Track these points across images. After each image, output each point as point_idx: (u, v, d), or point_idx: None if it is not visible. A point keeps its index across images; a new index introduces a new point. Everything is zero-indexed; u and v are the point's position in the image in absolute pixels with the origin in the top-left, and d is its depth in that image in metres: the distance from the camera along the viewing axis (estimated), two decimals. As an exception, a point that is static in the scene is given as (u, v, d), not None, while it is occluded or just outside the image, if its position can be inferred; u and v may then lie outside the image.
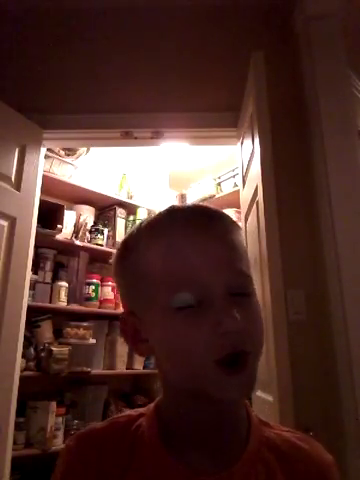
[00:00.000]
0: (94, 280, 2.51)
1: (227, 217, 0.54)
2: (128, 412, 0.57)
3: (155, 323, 0.49)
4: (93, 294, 2.49)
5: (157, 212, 0.54)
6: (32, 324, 2.16)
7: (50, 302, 2.29)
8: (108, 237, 2.66)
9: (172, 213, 0.52)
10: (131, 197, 2.90)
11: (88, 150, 2.53)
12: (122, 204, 2.82)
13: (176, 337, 0.47)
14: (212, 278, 0.46)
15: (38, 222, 1.90)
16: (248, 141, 1.61)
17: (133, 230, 0.55)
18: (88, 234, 2.55)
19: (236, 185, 2.59)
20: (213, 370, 0.45)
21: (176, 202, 3.17)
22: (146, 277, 0.50)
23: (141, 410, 0.56)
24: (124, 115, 1.91)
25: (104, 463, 0.50)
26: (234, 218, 2.09)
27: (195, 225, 0.49)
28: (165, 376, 0.53)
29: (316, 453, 0.54)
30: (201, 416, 0.49)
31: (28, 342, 2.06)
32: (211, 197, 2.85)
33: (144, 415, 0.54)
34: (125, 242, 0.55)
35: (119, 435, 0.52)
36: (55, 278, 2.36)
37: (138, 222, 0.56)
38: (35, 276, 2.21)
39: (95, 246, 2.54)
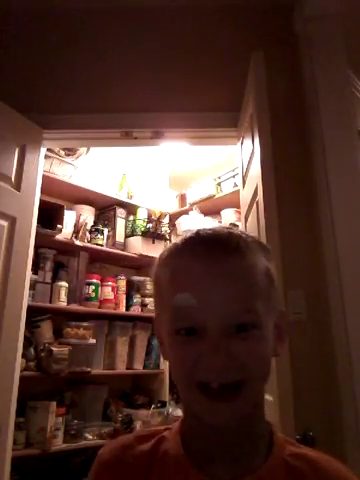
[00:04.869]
0: (94, 280, 2.51)
1: (238, 243, 0.51)
2: (156, 428, 0.60)
3: (166, 335, 0.53)
4: (93, 294, 2.48)
5: (183, 236, 0.55)
6: (32, 324, 2.16)
7: (50, 302, 2.29)
8: (108, 237, 2.66)
9: (189, 241, 0.52)
10: (131, 197, 2.90)
11: (88, 150, 2.53)
12: (122, 204, 2.82)
13: (173, 356, 0.52)
14: (206, 315, 0.48)
15: (38, 222, 1.90)
16: (248, 141, 1.61)
17: (167, 248, 0.57)
18: (88, 234, 2.55)
19: (236, 185, 2.59)
20: (198, 395, 0.48)
21: (176, 203, 3.17)
22: (161, 295, 0.54)
23: (169, 426, 0.59)
24: (124, 115, 1.91)
25: (127, 473, 0.53)
26: (234, 218, 2.07)
27: (200, 258, 0.49)
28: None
29: (336, 472, 0.54)
30: (210, 433, 0.51)
31: (28, 342, 2.06)
32: (211, 197, 2.85)
33: (170, 429, 0.57)
34: (159, 257, 0.57)
35: (142, 446, 0.55)
36: (55, 278, 2.36)
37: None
38: (35, 276, 2.21)
39: (95, 246, 2.54)
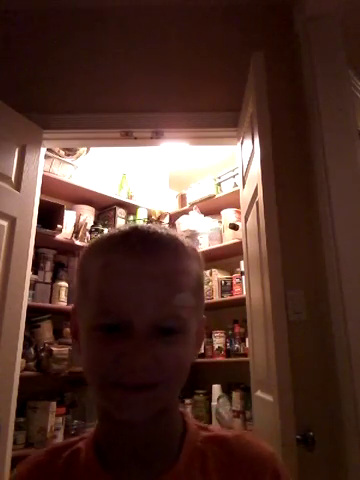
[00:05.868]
0: (94, 280, 2.51)
1: (177, 246, 0.51)
2: (72, 439, 0.59)
3: (83, 330, 0.51)
4: (93, 294, 2.49)
5: (119, 228, 0.53)
6: (32, 324, 2.16)
7: (50, 302, 2.29)
8: (108, 237, 2.66)
9: (127, 235, 0.51)
10: (131, 197, 2.90)
11: (88, 150, 2.53)
12: (122, 204, 2.82)
13: (90, 353, 0.49)
14: (135, 314, 0.46)
15: (38, 222, 1.89)
16: (248, 141, 1.61)
17: (97, 238, 0.55)
18: (88, 234, 2.55)
19: (236, 185, 2.59)
20: (112, 392, 0.47)
21: (176, 203, 3.18)
22: (85, 285, 0.51)
23: (84, 435, 0.58)
24: (124, 115, 1.91)
25: None
26: (234, 218, 2.08)
27: (136, 254, 0.48)
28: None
29: (253, 448, 0.55)
30: (122, 434, 0.51)
31: (28, 342, 2.06)
32: (211, 197, 2.85)
33: (85, 439, 0.56)
34: (88, 246, 0.56)
35: (56, 459, 0.54)
36: (55, 278, 2.36)
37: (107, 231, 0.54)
38: (35, 276, 2.21)
39: (95, 246, 2.54)
